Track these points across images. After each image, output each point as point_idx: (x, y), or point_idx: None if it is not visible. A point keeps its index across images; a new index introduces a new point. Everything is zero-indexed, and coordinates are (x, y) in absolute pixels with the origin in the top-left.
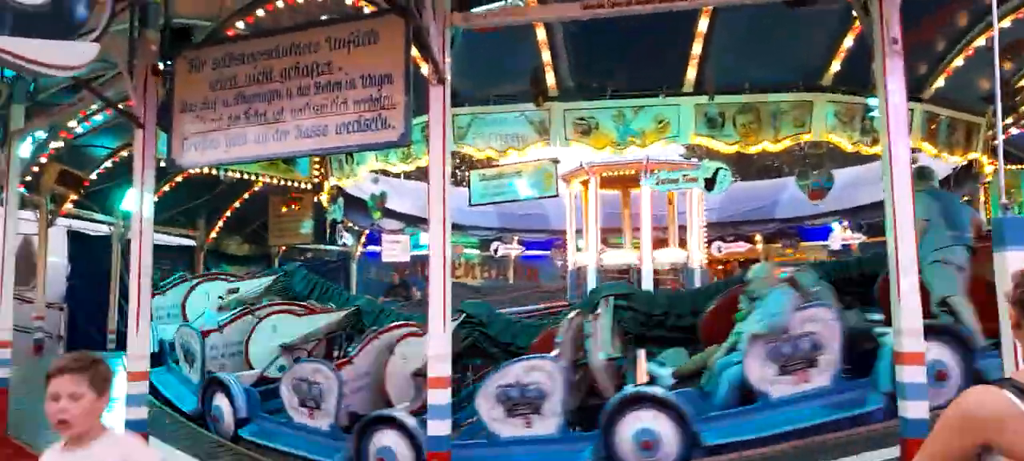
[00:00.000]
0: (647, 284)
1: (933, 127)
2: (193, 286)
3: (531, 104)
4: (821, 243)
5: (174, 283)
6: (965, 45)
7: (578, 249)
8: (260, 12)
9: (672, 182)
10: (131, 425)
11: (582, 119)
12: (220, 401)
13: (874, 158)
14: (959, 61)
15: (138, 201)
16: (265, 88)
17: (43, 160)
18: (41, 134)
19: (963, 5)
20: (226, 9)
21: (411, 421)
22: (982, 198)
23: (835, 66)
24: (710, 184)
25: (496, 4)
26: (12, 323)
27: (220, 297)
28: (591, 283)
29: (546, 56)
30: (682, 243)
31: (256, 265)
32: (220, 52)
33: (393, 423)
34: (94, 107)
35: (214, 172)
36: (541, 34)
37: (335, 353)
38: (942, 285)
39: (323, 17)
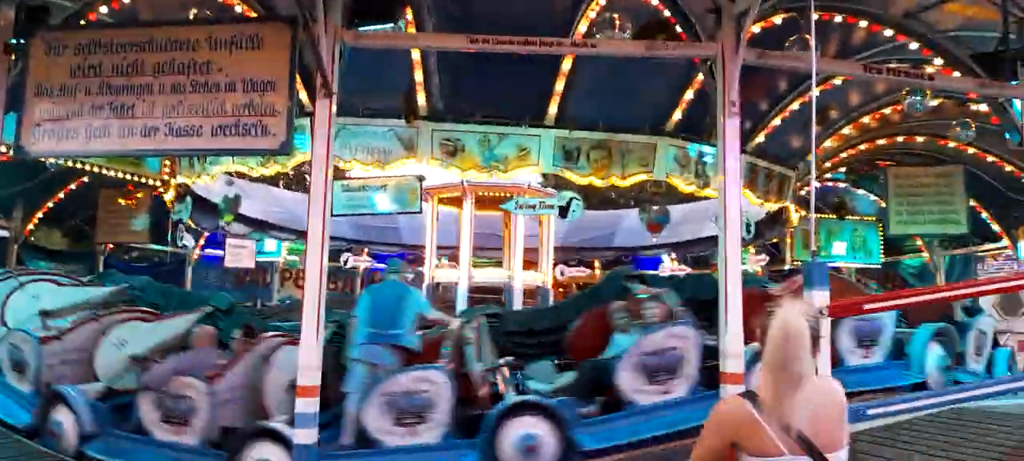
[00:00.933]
0: (517, 301)
1: (753, 176)
2: (16, 287)
3: (401, 120)
4: (652, 272)
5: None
6: (783, 107)
7: (438, 265)
8: None
9: (530, 208)
10: None
11: (449, 140)
12: (61, 415)
13: (702, 199)
14: (777, 120)
15: None
16: (134, 81)
17: None
18: None
19: (784, 73)
20: None
21: (289, 432)
22: (788, 241)
23: (677, 115)
24: (564, 212)
25: (384, 26)
26: None
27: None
28: (462, 299)
29: (419, 76)
30: (529, 265)
31: (77, 263)
32: (84, 37)
33: (271, 435)
34: None
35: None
36: (416, 54)
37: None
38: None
39: (192, 12)
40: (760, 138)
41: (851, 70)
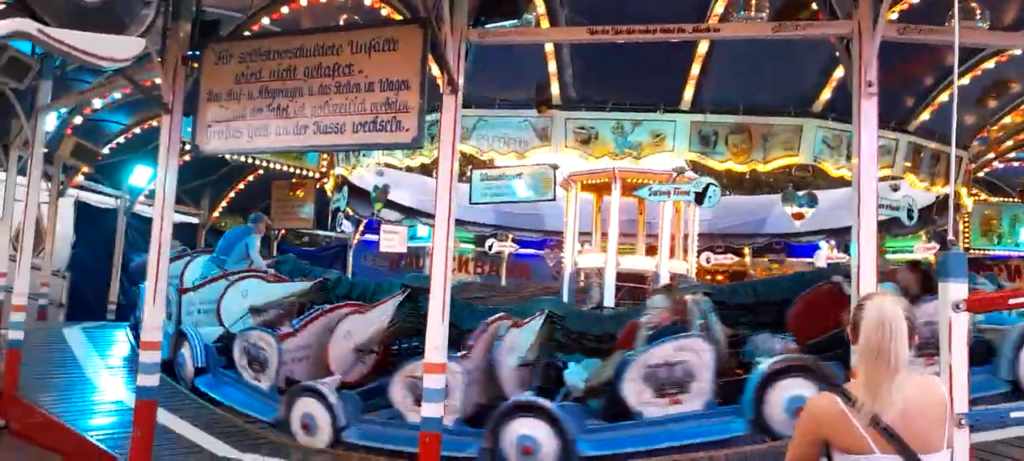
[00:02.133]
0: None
1: (917, 158)
2: (227, 286)
3: (534, 111)
4: (808, 260)
5: (208, 280)
6: (950, 82)
7: (580, 251)
8: (285, 9)
9: (664, 194)
10: (143, 392)
11: (582, 128)
12: (311, 408)
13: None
14: (944, 96)
15: (162, 181)
16: (288, 84)
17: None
18: (63, 109)
19: (950, 46)
20: (253, 5)
21: (554, 407)
22: (961, 228)
23: (826, 94)
24: (700, 198)
25: (510, 22)
26: (27, 288)
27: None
28: (609, 286)
29: (552, 67)
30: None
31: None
32: (247, 47)
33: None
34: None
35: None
36: (549, 46)
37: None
38: None
39: (343, 17)
40: (925, 116)
41: (1004, 41)
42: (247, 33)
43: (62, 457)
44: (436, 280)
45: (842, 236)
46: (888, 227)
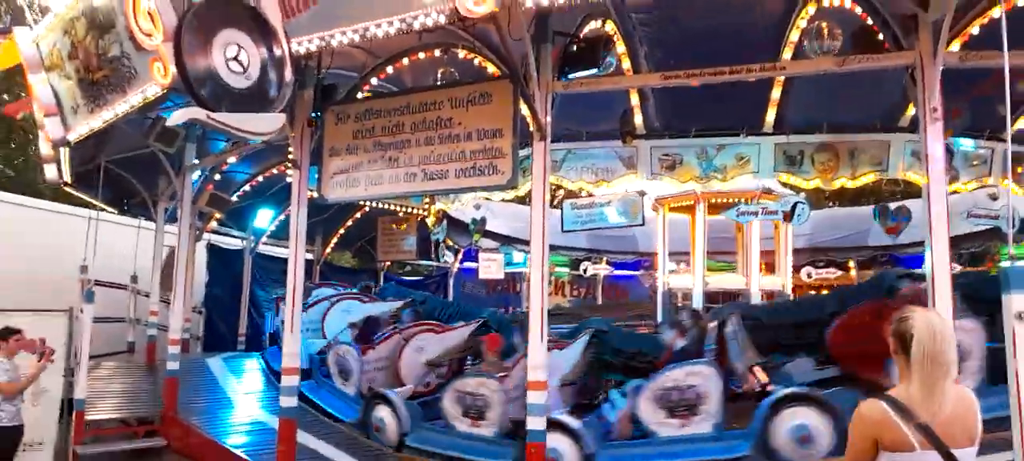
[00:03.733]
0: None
1: (1018, 167)
2: (331, 305)
3: (620, 141)
4: (917, 270)
5: (316, 301)
6: None
7: (673, 271)
8: (390, 69)
9: (752, 214)
10: (285, 411)
11: (667, 155)
12: (383, 413)
13: (953, 193)
14: None
15: (294, 226)
16: (397, 138)
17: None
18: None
19: None
20: (365, 66)
21: (575, 424)
22: None
23: (912, 110)
24: (788, 216)
25: (589, 72)
26: (181, 325)
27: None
28: (698, 305)
29: (635, 99)
30: (768, 268)
31: (362, 276)
32: (361, 107)
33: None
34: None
35: None
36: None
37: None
38: None
39: (440, 70)
40: (1021, 124)
41: None
42: (360, 94)
43: None
44: (534, 307)
45: (955, 245)
46: (994, 236)
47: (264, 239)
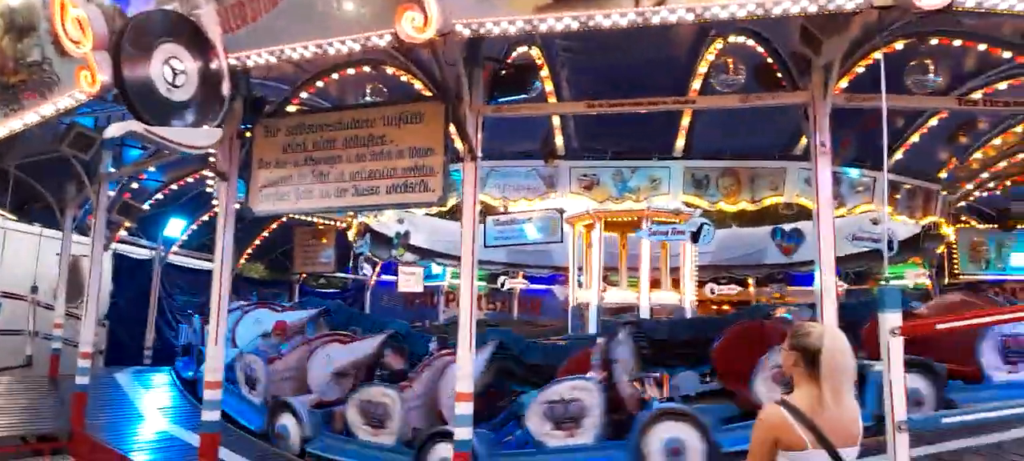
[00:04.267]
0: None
1: (894, 193)
2: (241, 315)
3: (541, 161)
4: (809, 288)
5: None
6: (921, 124)
7: (579, 286)
8: (319, 83)
9: (662, 234)
10: (206, 426)
11: (586, 175)
12: (287, 421)
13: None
14: (916, 137)
15: (221, 239)
16: (329, 153)
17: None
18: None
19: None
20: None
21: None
22: (950, 255)
23: (805, 140)
24: (695, 237)
25: (518, 97)
26: (92, 337)
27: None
28: (593, 318)
29: (556, 121)
30: (675, 284)
31: (276, 288)
32: (293, 121)
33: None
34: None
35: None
36: (552, 100)
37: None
38: None
39: (368, 86)
40: (899, 155)
41: (928, 104)
42: (290, 108)
43: None
44: (463, 319)
45: (839, 264)
46: (875, 258)
47: (175, 248)
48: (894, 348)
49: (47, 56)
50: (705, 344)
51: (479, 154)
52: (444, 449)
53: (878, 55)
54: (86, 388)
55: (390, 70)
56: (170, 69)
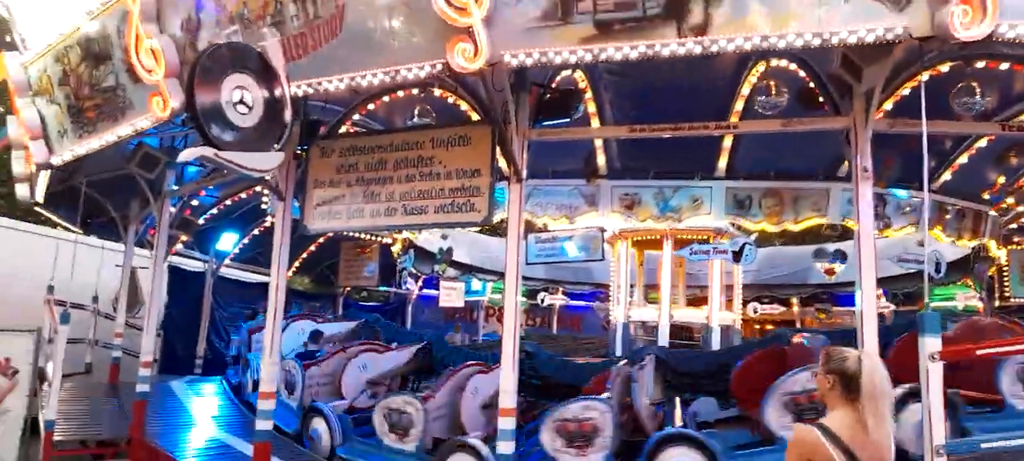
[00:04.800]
0: (715, 339)
1: (942, 215)
2: (286, 325)
3: (583, 180)
4: (854, 309)
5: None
6: (969, 145)
7: (630, 303)
8: (371, 106)
9: (704, 253)
10: (260, 435)
11: (627, 194)
12: (319, 425)
13: (883, 238)
14: (964, 158)
15: (276, 255)
16: (380, 174)
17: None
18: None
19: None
20: (350, 102)
21: (483, 447)
22: (1000, 277)
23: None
24: (737, 256)
25: (562, 121)
26: (152, 346)
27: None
28: (663, 336)
29: (598, 142)
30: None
31: (320, 301)
32: (346, 143)
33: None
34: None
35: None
36: (595, 123)
37: (410, 384)
38: None
39: (417, 107)
40: (947, 176)
41: (970, 130)
42: (343, 130)
43: None
44: (506, 338)
45: (887, 285)
46: (916, 280)
47: (227, 261)
48: (933, 373)
49: (121, 82)
50: (723, 372)
51: (524, 177)
52: (463, 459)
53: (922, 77)
54: (146, 396)
55: (437, 92)
56: (239, 97)
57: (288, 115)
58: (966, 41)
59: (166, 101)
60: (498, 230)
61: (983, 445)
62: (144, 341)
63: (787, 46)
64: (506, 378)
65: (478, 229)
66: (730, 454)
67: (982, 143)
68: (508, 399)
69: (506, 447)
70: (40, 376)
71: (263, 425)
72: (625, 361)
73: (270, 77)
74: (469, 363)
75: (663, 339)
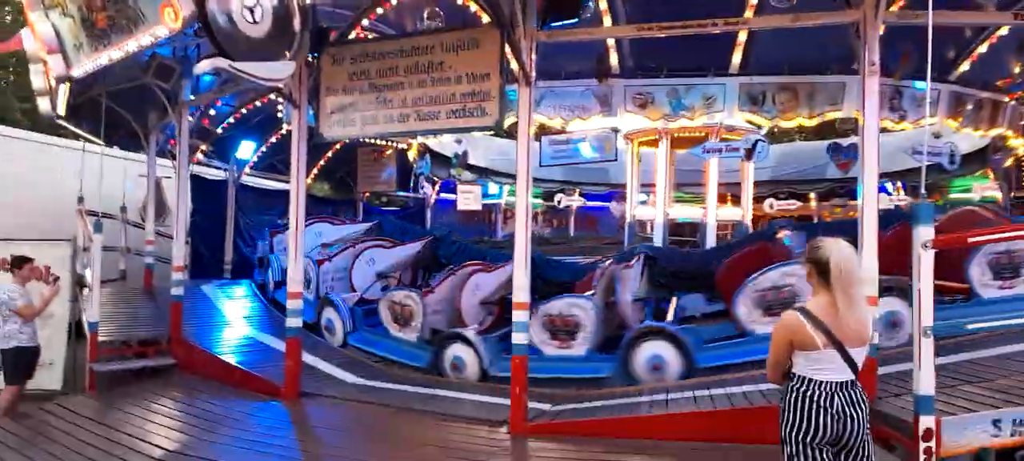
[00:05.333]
0: (711, 237)
1: (959, 106)
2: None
3: (595, 80)
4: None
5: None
6: (991, 33)
7: (643, 203)
8: (379, 9)
9: (717, 151)
10: (290, 331)
11: (640, 94)
12: (331, 315)
13: (899, 131)
14: (983, 48)
15: (294, 163)
16: (391, 80)
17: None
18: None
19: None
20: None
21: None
22: (1015, 168)
23: None
24: (750, 154)
25: (570, 21)
26: (183, 252)
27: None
28: (659, 234)
29: (610, 40)
30: (734, 200)
31: (341, 206)
32: (357, 50)
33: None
34: None
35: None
36: (607, 21)
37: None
38: None
39: (426, 10)
40: (965, 66)
41: (979, 19)
42: (352, 36)
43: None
44: (519, 238)
45: (906, 177)
46: (941, 171)
47: (247, 169)
48: (925, 260)
49: None
50: (710, 269)
51: (533, 79)
52: (458, 348)
53: None
54: (181, 298)
55: None
56: (247, 8)
57: (296, 24)
58: None
59: (177, 12)
60: (513, 133)
61: (967, 326)
62: (174, 247)
63: None
64: (519, 275)
65: (492, 132)
66: (702, 347)
67: (1004, 31)
68: (522, 294)
69: (520, 337)
70: (79, 282)
71: (293, 322)
72: (611, 260)
73: None
74: (472, 262)
75: (659, 238)
